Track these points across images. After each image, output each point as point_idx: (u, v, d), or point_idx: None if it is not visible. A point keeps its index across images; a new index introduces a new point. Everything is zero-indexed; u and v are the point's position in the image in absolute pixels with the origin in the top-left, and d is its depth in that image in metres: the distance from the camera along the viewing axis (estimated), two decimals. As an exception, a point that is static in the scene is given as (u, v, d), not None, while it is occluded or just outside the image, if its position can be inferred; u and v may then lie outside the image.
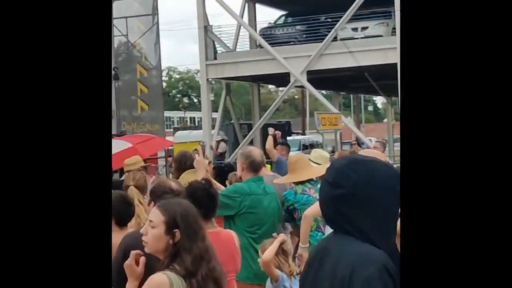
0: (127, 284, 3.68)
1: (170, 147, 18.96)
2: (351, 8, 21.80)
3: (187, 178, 6.26)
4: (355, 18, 22.36)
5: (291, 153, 12.14)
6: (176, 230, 3.49)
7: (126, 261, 3.63)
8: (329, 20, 22.89)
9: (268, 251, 5.58)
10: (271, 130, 11.07)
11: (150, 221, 3.60)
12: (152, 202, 4.58)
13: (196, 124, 48.77)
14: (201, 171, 6.40)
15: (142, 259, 3.60)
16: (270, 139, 10.87)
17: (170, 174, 11.13)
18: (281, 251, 5.69)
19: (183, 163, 7.23)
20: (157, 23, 19.52)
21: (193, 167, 6.78)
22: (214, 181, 6.55)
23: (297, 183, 6.99)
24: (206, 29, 22.31)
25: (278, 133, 11.28)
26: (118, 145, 11.43)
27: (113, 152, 9.55)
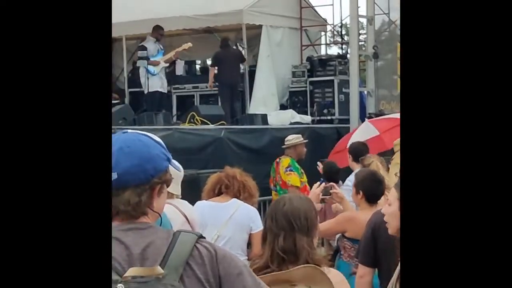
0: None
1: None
2: None
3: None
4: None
5: None
6: None
7: None
8: None
9: None
10: None
11: (387, 199, 3.57)
12: None
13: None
14: None
15: None
16: None
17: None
18: None
19: None
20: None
21: None
22: None
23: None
24: None
25: None
26: (367, 131, 10.97)
27: (362, 139, 9.51)
